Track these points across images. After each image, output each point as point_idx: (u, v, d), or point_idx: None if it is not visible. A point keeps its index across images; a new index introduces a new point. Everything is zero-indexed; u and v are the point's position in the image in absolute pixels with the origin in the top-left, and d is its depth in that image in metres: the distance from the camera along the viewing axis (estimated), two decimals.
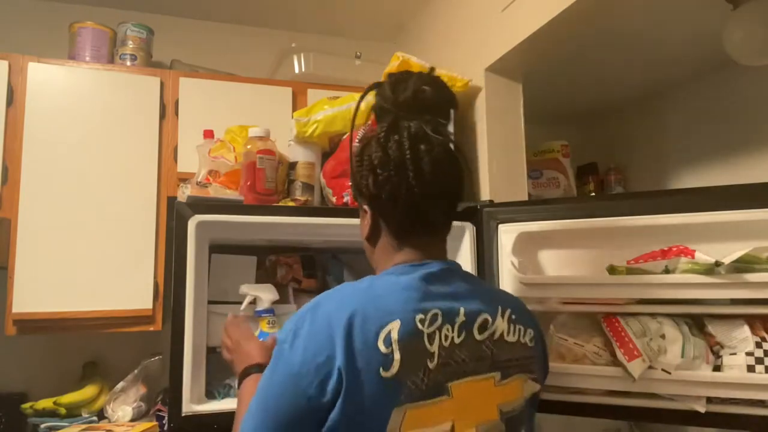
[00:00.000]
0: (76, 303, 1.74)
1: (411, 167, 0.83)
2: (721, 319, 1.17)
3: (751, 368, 1.09)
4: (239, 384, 0.99)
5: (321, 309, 0.78)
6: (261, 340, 1.13)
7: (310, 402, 0.72)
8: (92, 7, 2.25)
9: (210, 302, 1.40)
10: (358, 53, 2.22)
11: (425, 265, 0.86)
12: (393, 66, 1.78)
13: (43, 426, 1.75)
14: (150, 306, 1.81)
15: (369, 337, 0.74)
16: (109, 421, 1.80)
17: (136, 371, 1.90)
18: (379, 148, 0.86)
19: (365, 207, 0.91)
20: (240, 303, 1.45)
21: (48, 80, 1.83)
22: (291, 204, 1.62)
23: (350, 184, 0.88)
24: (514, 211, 1.44)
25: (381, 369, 0.72)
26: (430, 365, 0.77)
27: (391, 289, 0.81)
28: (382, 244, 0.91)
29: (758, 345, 1.11)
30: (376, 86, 0.94)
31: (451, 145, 0.89)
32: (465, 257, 1.49)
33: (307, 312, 0.79)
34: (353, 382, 0.71)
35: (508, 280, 1.38)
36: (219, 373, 1.45)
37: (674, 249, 1.21)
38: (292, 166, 1.70)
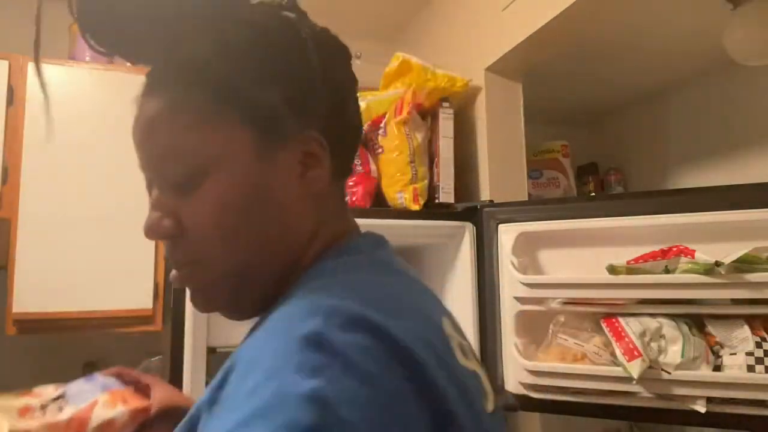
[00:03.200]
0: (76, 303, 1.74)
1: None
2: (721, 319, 1.17)
3: (751, 368, 1.09)
4: None
5: None
6: None
7: None
8: None
9: None
10: (358, 53, 2.22)
11: (377, 243, 0.54)
12: (393, 66, 1.78)
13: None
14: (150, 306, 1.80)
15: None
16: None
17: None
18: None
19: (311, 134, 0.50)
20: None
21: (48, 80, 1.82)
22: None
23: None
24: (514, 211, 1.44)
25: None
26: None
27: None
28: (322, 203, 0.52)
29: (758, 345, 1.11)
30: None
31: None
32: (465, 257, 1.50)
33: None
34: None
35: (507, 280, 1.38)
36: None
37: (674, 249, 1.21)
38: None
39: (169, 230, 0.46)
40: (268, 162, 0.46)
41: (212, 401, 0.39)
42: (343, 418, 0.32)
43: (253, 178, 0.46)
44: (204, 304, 0.49)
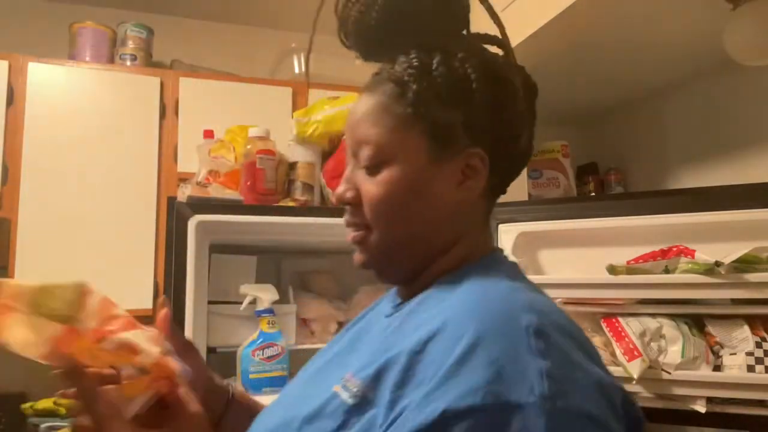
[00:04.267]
0: None
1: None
2: (721, 319, 1.17)
3: (751, 368, 1.09)
4: None
5: None
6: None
7: None
8: (92, 7, 2.25)
9: (210, 302, 1.40)
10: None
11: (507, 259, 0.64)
12: None
13: (43, 426, 1.75)
14: (150, 306, 1.81)
15: None
16: None
17: None
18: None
19: (476, 151, 0.59)
20: (240, 303, 1.45)
21: (48, 80, 1.83)
22: (291, 204, 1.62)
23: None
24: (514, 211, 1.44)
25: None
26: None
27: None
28: (476, 215, 0.62)
29: (758, 345, 1.11)
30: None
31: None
32: None
33: None
34: None
35: None
36: (219, 373, 1.44)
37: (674, 249, 1.21)
38: (292, 166, 1.70)
39: (350, 199, 0.60)
40: (436, 167, 0.58)
41: (410, 365, 0.47)
42: (571, 388, 0.43)
43: (421, 176, 0.58)
44: (363, 262, 0.62)
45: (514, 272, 0.60)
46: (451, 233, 0.60)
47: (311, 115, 1.71)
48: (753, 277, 1.08)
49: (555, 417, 0.41)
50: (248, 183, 1.57)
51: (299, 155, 1.71)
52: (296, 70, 2.11)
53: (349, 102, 1.73)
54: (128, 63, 2.00)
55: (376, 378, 0.49)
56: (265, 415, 0.62)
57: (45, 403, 1.81)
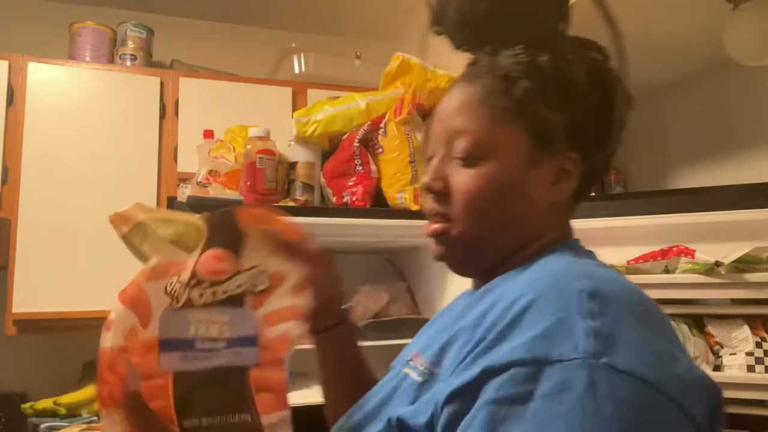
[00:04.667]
0: (76, 303, 1.74)
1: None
2: (721, 319, 1.17)
3: (751, 368, 1.09)
4: None
5: None
6: None
7: None
8: (92, 7, 2.25)
9: None
10: (358, 53, 2.22)
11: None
12: (393, 66, 1.78)
13: (43, 426, 1.75)
14: None
15: None
16: None
17: None
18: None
19: (572, 155, 0.59)
20: None
21: (48, 80, 1.83)
22: (291, 204, 1.62)
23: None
24: None
25: None
26: None
27: None
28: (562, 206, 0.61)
29: (758, 345, 1.11)
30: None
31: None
32: None
33: None
34: None
35: None
36: None
37: (674, 249, 1.21)
38: (292, 166, 1.70)
39: (439, 189, 0.59)
40: (533, 166, 0.57)
41: (468, 337, 0.47)
42: (620, 348, 0.41)
43: (517, 174, 0.57)
44: (441, 254, 0.61)
45: (584, 253, 0.59)
46: (535, 232, 0.59)
47: (311, 115, 1.71)
48: (753, 277, 1.08)
49: (599, 372, 0.39)
50: (248, 183, 1.57)
51: (299, 155, 1.71)
52: (296, 70, 2.11)
53: (350, 102, 1.73)
54: (128, 63, 2.00)
55: (440, 354, 0.51)
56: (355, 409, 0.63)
57: (45, 403, 1.81)
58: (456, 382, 0.44)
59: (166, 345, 0.48)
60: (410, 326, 1.48)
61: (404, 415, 0.49)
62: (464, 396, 0.43)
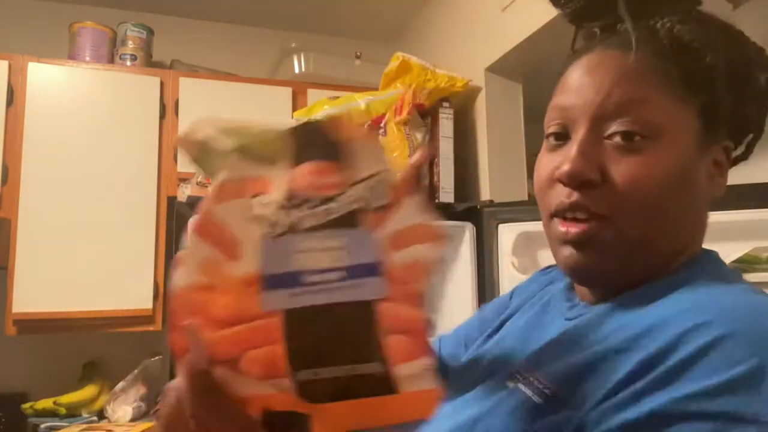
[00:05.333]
0: (76, 303, 1.74)
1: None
2: None
3: None
4: None
5: None
6: None
7: None
8: (92, 7, 2.25)
9: None
10: (358, 53, 2.22)
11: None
12: (393, 66, 1.78)
13: (43, 426, 1.75)
14: (150, 306, 1.81)
15: None
16: (109, 421, 1.80)
17: (136, 371, 1.90)
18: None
19: (729, 145, 0.52)
20: None
21: (48, 80, 1.83)
22: None
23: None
24: (514, 211, 1.44)
25: None
26: None
27: None
28: (702, 217, 0.53)
29: None
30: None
31: None
32: (465, 257, 1.49)
33: None
34: None
35: (507, 281, 1.38)
36: None
37: None
38: None
39: (594, 179, 0.45)
40: (701, 153, 0.48)
41: (615, 364, 0.39)
42: None
43: (690, 161, 0.47)
44: (585, 263, 0.47)
45: (737, 275, 0.51)
46: (688, 236, 0.50)
47: (311, 115, 1.71)
48: (753, 277, 1.08)
49: None
50: None
51: None
52: (296, 70, 2.11)
53: (350, 102, 1.73)
54: (128, 63, 2.00)
55: (571, 376, 0.42)
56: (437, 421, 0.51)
57: (45, 403, 1.81)
58: (615, 420, 0.36)
59: (269, 281, 0.38)
60: None
61: None
62: None
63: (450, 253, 1.59)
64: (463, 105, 1.81)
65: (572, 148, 0.47)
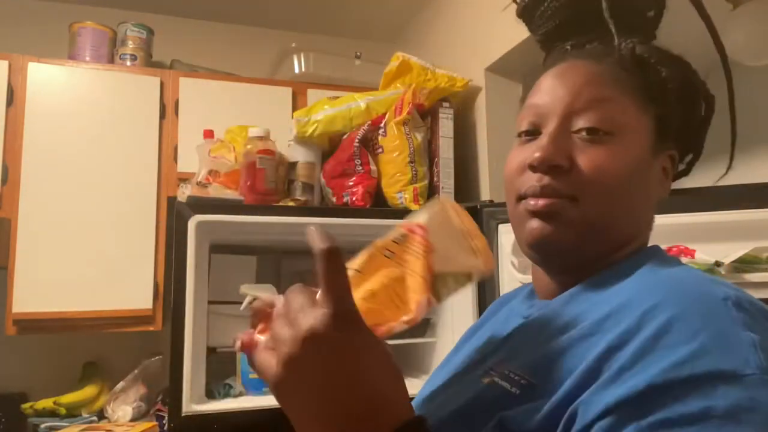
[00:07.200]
0: (76, 303, 1.74)
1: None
2: None
3: None
4: None
5: None
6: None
7: None
8: (92, 7, 2.25)
9: (210, 302, 1.40)
10: (358, 53, 2.22)
11: None
12: (393, 66, 1.78)
13: (43, 426, 1.75)
14: (150, 306, 1.81)
15: None
16: (109, 421, 1.80)
17: (136, 371, 1.90)
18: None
19: (674, 154, 0.60)
20: (240, 303, 1.45)
21: (48, 80, 1.83)
22: (291, 204, 1.62)
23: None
24: None
25: None
26: None
27: None
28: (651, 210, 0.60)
29: None
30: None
31: None
32: None
33: None
34: None
35: (508, 280, 1.38)
36: (219, 373, 1.45)
37: (674, 249, 1.20)
38: (292, 166, 1.70)
39: (562, 163, 0.52)
40: (653, 156, 0.55)
41: (580, 349, 0.43)
42: None
43: (644, 161, 0.54)
44: (546, 235, 0.53)
45: (679, 261, 0.57)
46: (637, 227, 0.56)
47: (311, 115, 1.71)
48: (753, 277, 1.08)
49: None
50: (248, 183, 1.57)
51: (299, 155, 1.71)
52: (296, 70, 2.11)
53: (350, 102, 1.73)
54: (128, 63, 2.00)
55: (543, 365, 0.45)
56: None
57: (45, 403, 1.81)
58: (608, 398, 0.39)
59: None
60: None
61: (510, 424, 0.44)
62: (620, 411, 0.38)
63: None
64: (463, 105, 1.81)
65: (543, 138, 0.53)
